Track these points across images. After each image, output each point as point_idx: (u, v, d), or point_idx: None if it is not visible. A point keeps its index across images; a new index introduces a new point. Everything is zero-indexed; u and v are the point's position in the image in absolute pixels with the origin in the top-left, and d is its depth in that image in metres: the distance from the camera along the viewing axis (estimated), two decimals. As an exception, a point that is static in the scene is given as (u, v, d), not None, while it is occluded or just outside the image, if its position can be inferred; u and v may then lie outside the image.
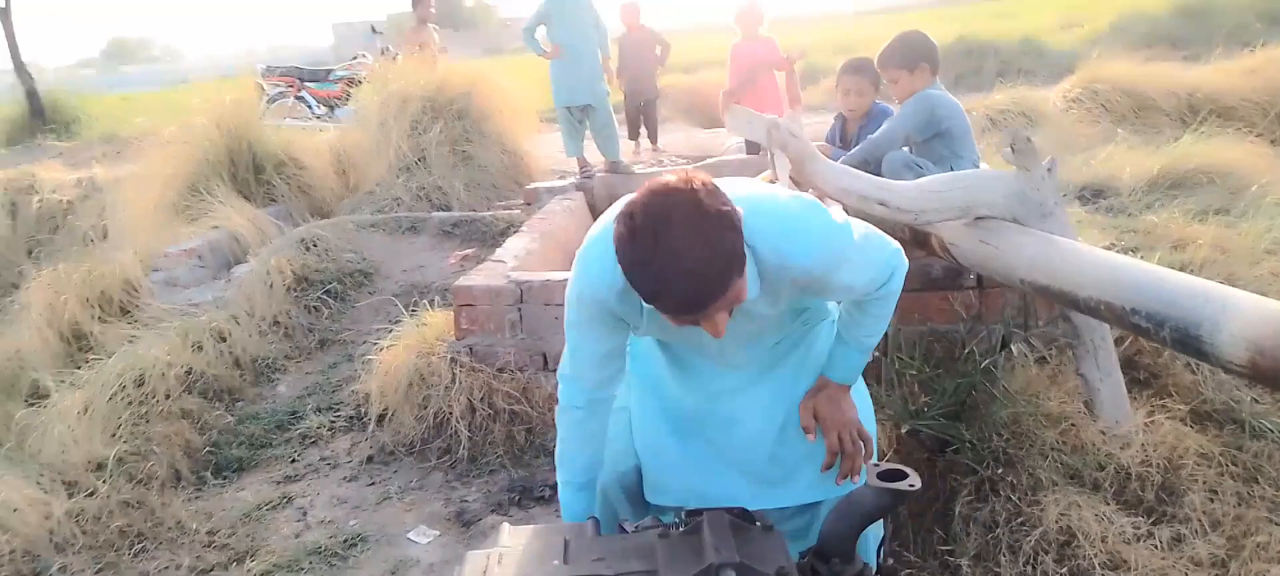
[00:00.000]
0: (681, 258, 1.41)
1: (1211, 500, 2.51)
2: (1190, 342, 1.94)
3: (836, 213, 1.81)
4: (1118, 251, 4.17)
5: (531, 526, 1.78)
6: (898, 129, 3.61)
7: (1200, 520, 2.44)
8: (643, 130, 8.47)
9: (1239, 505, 2.51)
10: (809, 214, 1.68)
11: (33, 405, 3.89)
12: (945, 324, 3.13)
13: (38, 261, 6.15)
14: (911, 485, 1.57)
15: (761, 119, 3.22)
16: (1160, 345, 2.15)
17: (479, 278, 3.67)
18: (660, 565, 1.54)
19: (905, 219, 2.84)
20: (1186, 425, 2.78)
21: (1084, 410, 2.74)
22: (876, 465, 1.63)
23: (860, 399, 2.03)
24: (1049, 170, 2.66)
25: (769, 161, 3.36)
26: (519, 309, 3.54)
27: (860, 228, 1.77)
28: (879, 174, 3.33)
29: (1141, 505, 2.54)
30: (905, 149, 3.61)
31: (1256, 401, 2.92)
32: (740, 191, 1.63)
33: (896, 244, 1.83)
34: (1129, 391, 2.91)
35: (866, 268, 1.76)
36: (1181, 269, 3.92)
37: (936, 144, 3.58)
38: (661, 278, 1.44)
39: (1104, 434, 2.65)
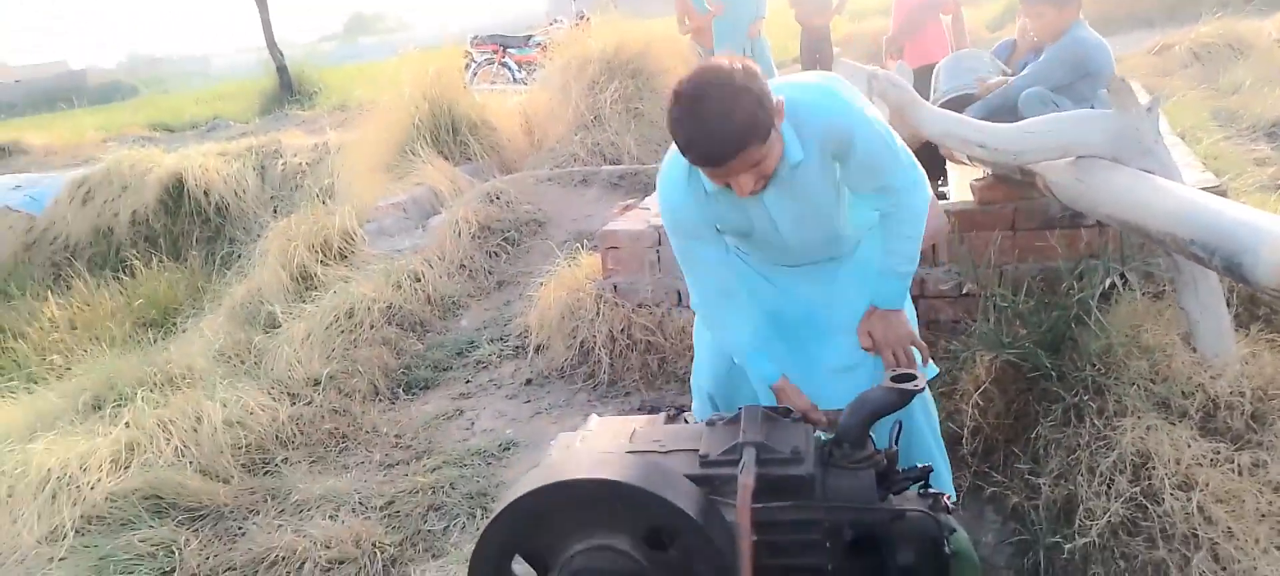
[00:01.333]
0: (706, 121, 1.81)
1: (1306, 432, 2.52)
2: (1235, 269, 2.04)
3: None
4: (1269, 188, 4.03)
5: (615, 417, 2.17)
6: (1044, 73, 3.66)
7: (1287, 449, 2.47)
8: None
9: (1337, 437, 2.50)
10: (839, 86, 2.05)
11: (268, 332, 4.72)
12: (1054, 261, 3.22)
13: (278, 215, 7.19)
14: (916, 386, 1.82)
15: (862, 70, 3.38)
16: (1217, 271, 2.22)
17: (623, 222, 4.08)
18: (703, 445, 1.89)
19: (1006, 159, 2.97)
20: (1297, 360, 2.76)
21: (1180, 343, 2.78)
22: (893, 369, 1.88)
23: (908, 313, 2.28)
24: (1149, 109, 2.71)
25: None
26: (657, 250, 3.92)
27: (889, 132, 2.07)
28: (1014, 116, 3.42)
29: (1229, 432, 2.58)
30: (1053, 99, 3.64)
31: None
32: (799, 79, 2.07)
33: (921, 169, 2.07)
34: (1242, 326, 2.91)
35: (886, 151, 2.05)
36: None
37: (1081, 84, 3.60)
38: (690, 134, 1.84)
39: (1197, 364, 2.70)
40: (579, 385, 3.89)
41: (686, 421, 2.13)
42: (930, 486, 1.90)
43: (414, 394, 4.18)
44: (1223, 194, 3.07)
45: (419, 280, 4.95)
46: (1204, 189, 3.08)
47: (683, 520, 1.68)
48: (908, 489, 1.84)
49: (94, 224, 9.09)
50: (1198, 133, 4.51)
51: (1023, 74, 3.62)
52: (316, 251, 5.40)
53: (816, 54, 8.45)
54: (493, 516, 1.76)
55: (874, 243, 2.26)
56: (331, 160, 8.09)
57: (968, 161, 3.42)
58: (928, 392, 2.14)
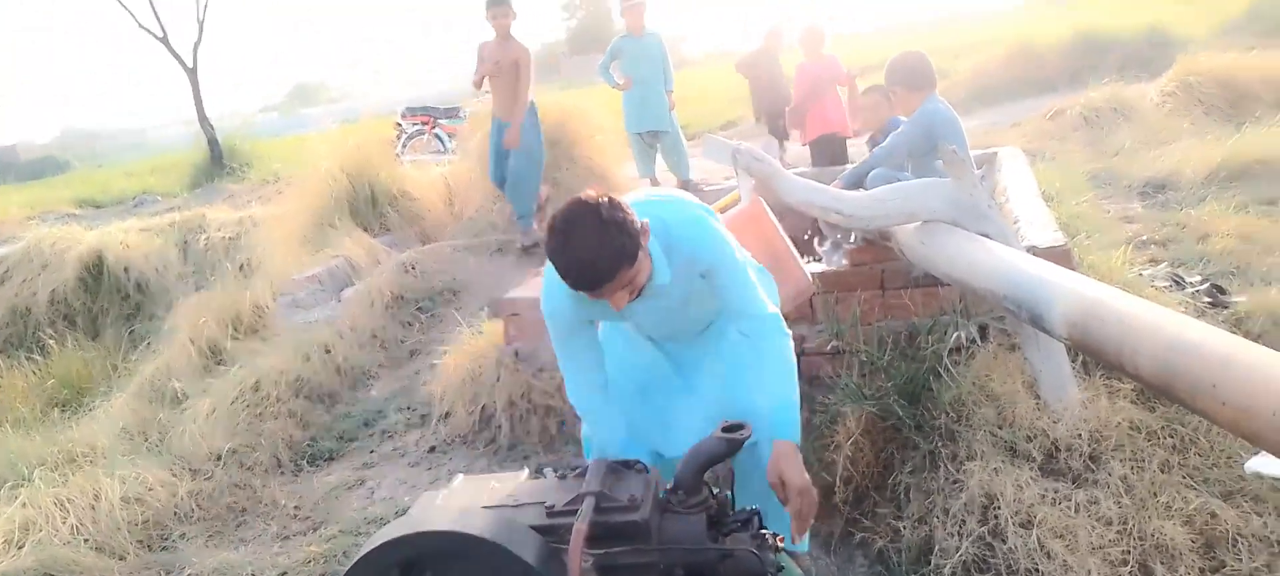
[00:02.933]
0: (578, 253, 2.00)
1: (1136, 470, 2.73)
2: (1037, 321, 2.26)
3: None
4: (1143, 245, 4.32)
5: (480, 476, 2.28)
6: (900, 144, 3.92)
7: (1118, 484, 2.67)
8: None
9: (1162, 472, 2.71)
10: (709, 219, 2.27)
11: (175, 408, 4.72)
12: (913, 317, 3.43)
13: (199, 291, 7.18)
14: (743, 435, 1.97)
15: (727, 145, 3.61)
16: (1026, 323, 2.43)
17: (524, 290, 4.21)
18: (550, 497, 2.01)
19: (858, 225, 3.19)
20: (1133, 404, 2.98)
21: (1025, 391, 2.99)
22: (725, 421, 2.03)
23: None
24: (983, 177, 2.95)
25: (755, 179, 3.74)
26: (556, 316, 4.05)
27: (752, 272, 2.32)
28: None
29: (1069, 473, 2.78)
30: (903, 168, 3.90)
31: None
32: (673, 202, 2.29)
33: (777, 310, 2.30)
34: (1089, 374, 3.14)
35: (746, 286, 2.26)
36: (1198, 260, 4.06)
37: (932, 156, 3.87)
38: (565, 265, 2.03)
39: (1038, 410, 2.90)
40: (480, 450, 3.98)
41: (545, 476, 2.24)
42: (764, 528, 2.03)
43: (318, 465, 4.22)
44: (1066, 254, 3.31)
45: (329, 351, 5.01)
46: (1049, 248, 3.34)
47: (522, 570, 1.79)
48: (737, 531, 1.97)
49: (11, 304, 8.90)
50: (1067, 194, 4.82)
51: (882, 145, 3.89)
52: (227, 326, 5.43)
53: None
54: (348, 568, 1.85)
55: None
56: (253, 234, 8.11)
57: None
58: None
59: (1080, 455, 2.80)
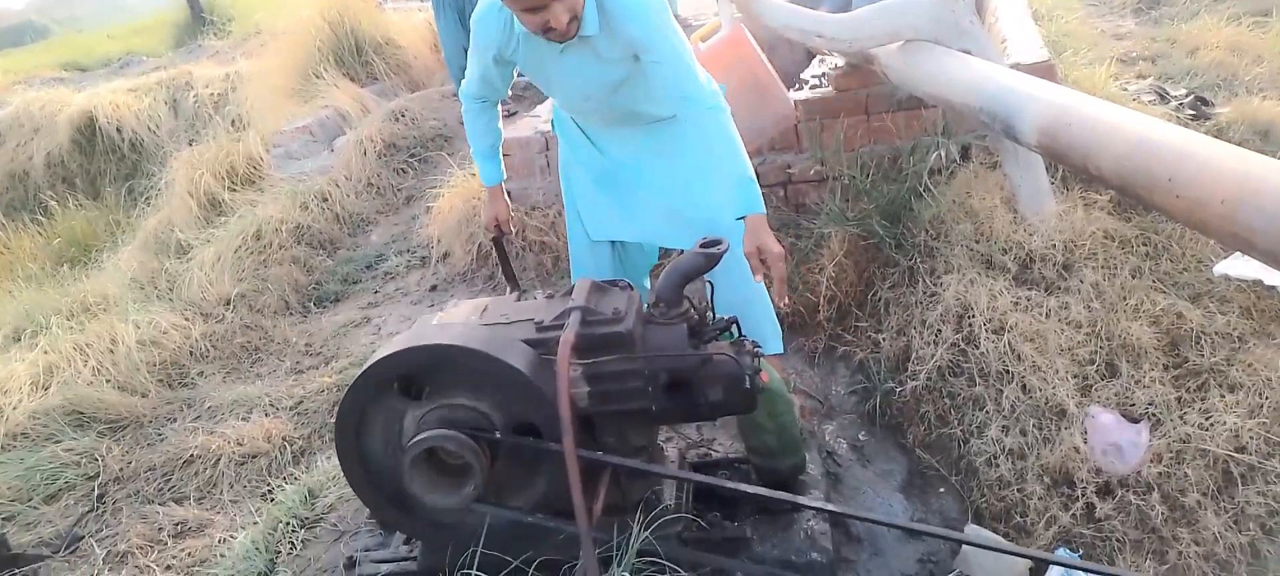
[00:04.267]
0: None
1: (1108, 276, 2.84)
2: (1011, 132, 2.31)
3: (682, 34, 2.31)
4: (1131, 61, 4.32)
5: (474, 300, 2.39)
6: None
7: (1089, 290, 2.78)
8: None
9: (1134, 278, 2.83)
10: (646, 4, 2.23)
11: (180, 259, 4.84)
12: (901, 141, 3.48)
13: (193, 148, 7.19)
14: (720, 249, 2.06)
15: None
16: (999, 137, 2.49)
17: (513, 130, 4.24)
18: (540, 314, 2.12)
19: (841, 47, 3.20)
20: (1109, 214, 3.07)
21: (1002, 206, 3.07)
22: (704, 238, 2.12)
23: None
24: (965, -10, 2.94)
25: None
26: (546, 156, 4.10)
27: (689, 52, 2.29)
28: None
29: (1043, 282, 2.90)
30: None
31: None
32: None
33: (717, 87, 2.31)
34: (1068, 188, 3.21)
35: (682, 66, 2.25)
36: (1185, 74, 4.07)
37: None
38: None
39: (1015, 224, 2.99)
40: (480, 287, 4.10)
41: (535, 297, 2.36)
42: (744, 337, 2.15)
43: (324, 307, 4.36)
44: (1050, 70, 3.33)
45: (326, 200, 5.08)
46: (1034, 64, 3.36)
47: (515, 377, 1.92)
48: (717, 338, 2.09)
49: (8, 168, 8.94)
50: (1058, 12, 4.77)
51: None
52: (223, 178, 5.49)
53: None
54: (355, 379, 1.99)
55: (685, 136, 2.49)
56: (240, 89, 8.04)
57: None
58: (744, 265, 2.35)
59: (1054, 264, 2.91)
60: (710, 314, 2.14)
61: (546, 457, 2.01)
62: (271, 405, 3.46)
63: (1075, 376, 2.64)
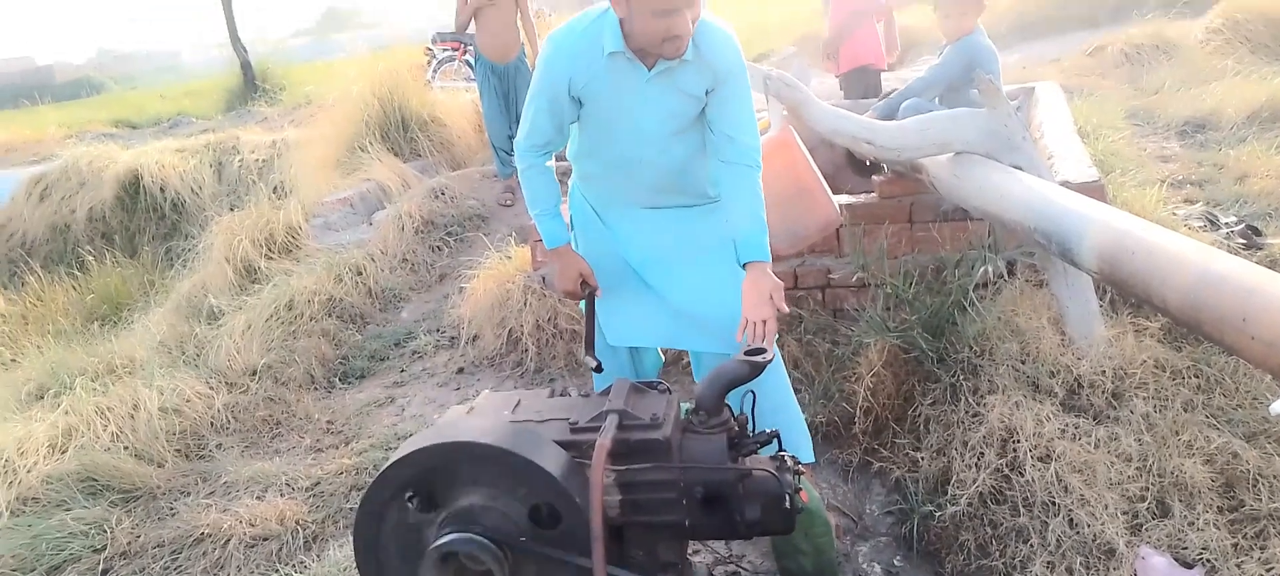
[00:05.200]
0: None
1: (1159, 408, 2.73)
2: (1067, 254, 2.25)
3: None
4: (1179, 185, 4.26)
5: (504, 392, 2.33)
6: (940, 76, 3.86)
7: (1140, 422, 2.67)
8: None
9: (1186, 411, 2.71)
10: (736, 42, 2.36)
11: (211, 325, 4.84)
12: (941, 251, 3.42)
13: (233, 212, 7.29)
14: (765, 358, 1.99)
15: (758, 71, 3.56)
16: (1055, 258, 2.42)
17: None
18: (574, 414, 2.06)
19: (890, 155, 3.17)
20: (1159, 342, 2.97)
21: (1050, 326, 2.98)
22: (749, 346, 2.06)
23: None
24: (1018, 108, 2.91)
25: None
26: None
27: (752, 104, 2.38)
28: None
29: (1091, 410, 2.79)
30: (935, 99, 3.84)
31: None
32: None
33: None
34: (1115, 312, 3.12)
35: (748, 111, 2.37)
36: (1234, 201, 4.00)
37: (967, 89, 3.80)
38: None
39: (1063, 346, 2.90)
40: (507, 372, 4.05)
41: (569, 394, 2.29)
42: (782, 449, 2.07)
43: (350, 383, 4.32)
44: (1100, 189, 3.27)
45: (361, 273, 5.09)
46: (1083, 183, 3.30)
47: (545, 480, 1.85)
48: (757, 451, 2.01)
49: (51, 221, 9.13)
50: (1103, 131, 4.74)
51: (924, 76, 3.82)
52: (262, 246, 5.52)
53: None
54: (383, 469, 1.92)
55: (716, 221, 2.49)
56: (286, 156, 8.18)
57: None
58: (782, 371, 2.32)
59: (1103, 392, 2.80)
60: (750, 425, 2.06)
61: (571, 569, 1.92)
62: (288, 484, 3.39)
63: (1125, 513, 2.52)
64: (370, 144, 6.96)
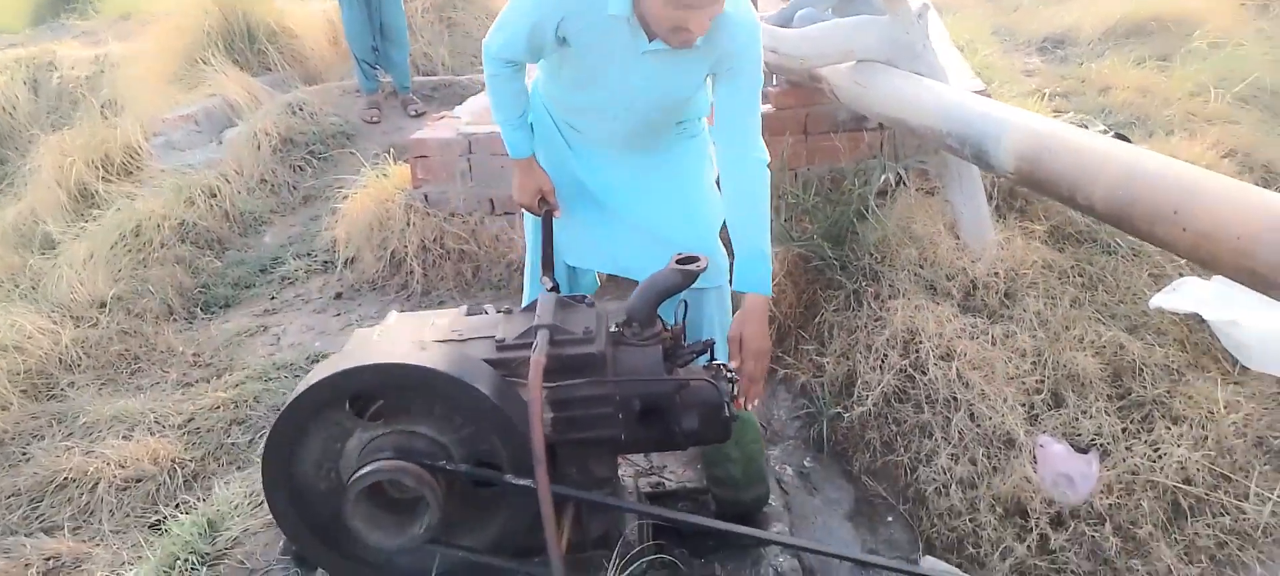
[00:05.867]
0: None
1: (1049, 305, 2.85)
2: (982, 157, 2.26)
3: None
4: (1048, 97, 4.43)
5: (416, 312, 2.18)
6: None
7: (1033, 319, 2.79)
8: None
9: (1073, 308, 2.85)
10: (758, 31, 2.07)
11: (45, 254, 4.36)
12: (839, 161, 3.44)
13: (55, 132, 6.56)
14: (699, 266, 1.92)
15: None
16: (968, 161, 2.46)
17: (433, 131, 4.00)
18: (500, 331, 1.93)
19: (793, 64, 3.13)
20: (1045, 244, 3.10)
21: (946, 232, 3.06)
22: (678, 254, 1.98)
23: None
24: (919, 15, 2.91)
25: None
26: (468, 159, 3.88)
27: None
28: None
29: (986, 309, 2.89)
30: (827, 10, 3.80)
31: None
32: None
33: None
34: (1001, 216, 3.23)
35: (756, 114, 2.11)
36: (1100, 111, 4.19)
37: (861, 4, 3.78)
38: None
39: (959, 251, 2.98)
40: (392, 296, 3.84)
41: (487, 312, 2.16)
42: (715, 359, 2.02)
43: (213, 313, 4.00)
44: (985, 97, 3.35)
45: (215, 195, 4.69)
46: (974, 94, 3.37)
47: (478, 401, 1.73)
48: (692, 361, 1.96)
49: None
50: (975, 45, 4.88)
51: None
52: (97, 167, 5.00)
53: None
54: (292, 399, 1.75)
55: (687, 154, 2.33)
56: (113, 72, 7.42)
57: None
58: (725, 287, 2.25)
59: (997, 293, 2.91)
60: (684, 336, 2.01)
61: (505, 493, 1.83)
62: (157, 422, 3.11)
63: (1023, 405, 2.64)
64: (212, 56, 6.37)
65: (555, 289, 2.14)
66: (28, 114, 7.48)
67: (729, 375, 1.96)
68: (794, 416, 2.97)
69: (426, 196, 3.94)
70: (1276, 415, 2.48)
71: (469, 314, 2.16)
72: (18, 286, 4.10)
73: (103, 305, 3.85)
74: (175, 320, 3.93)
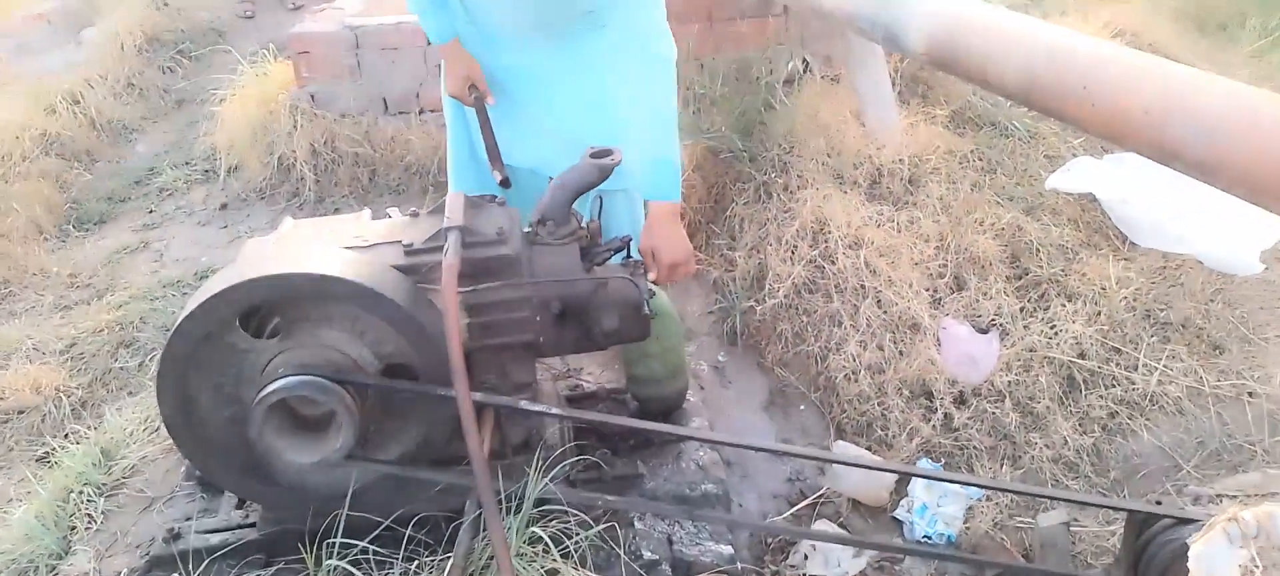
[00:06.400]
0: None
1: (951, 189, 2.90)
2: (893, 40, 2.24)
3: None
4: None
5: (313, 219, 2.05)
6: None
7: (936, 204, 2.84)
8: None
9: (974, 191, 2.91)
10: None
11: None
12: (747, 50, 3.38)
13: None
14: (614, 160, 1.86)
15: None
16: (878, 44, 2.44)
17: (315, 25, 3.76)
18: (407, 235, 1.84)
19: (696, -54, 3.02)
20: (947, 129, 3.14)
21: (852, 119, 3.06)
22: (592, 148, 1.90)
23: None
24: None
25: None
26: (356, 55, 3.66)
27: None
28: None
29: (891, 196, 2.93)
30: None
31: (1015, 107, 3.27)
32: None
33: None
34: (904, 103, 3.25)
35: (658, 9, 1.99)
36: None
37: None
38: None
39: (864, 138, 3.00)
40: (282, 204, 3.65)
41: (392, 215, 2.06)
42: (631, 255, 1.98)
43: (87, 229, 3.73)
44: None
45: (78, 102, 4.34)
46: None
47: (388, 308, 1.65)
48: (609, 259, 1.91)
49: None
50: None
51: None
52: (-63, 74, 4.54)
53: None
54: (180, 319, 1.63)
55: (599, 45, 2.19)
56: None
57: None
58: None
59: (901, 179, 2.94)
60: (600, 229, 1.95)
61: (420, 403, 1.77)
62: (35, 349, 2.91)
63: (927, 289, 2.70)
64: (61, -52, 5.82)
65: (505, 182, 2.04)
66: None
67: (646, 272, 1.93)
68: (707, 312, 2.97)
69: (313, 96, 3.71)
70: (1162, 288, 2.61)
71: (373, 219, 2.05)
72: None
73: (-41, 226, 3.55)
74: (46, 239, 3.65)
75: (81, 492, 2.21)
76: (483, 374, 1.88)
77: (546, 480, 1.78)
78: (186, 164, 4.05)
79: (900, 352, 2.63)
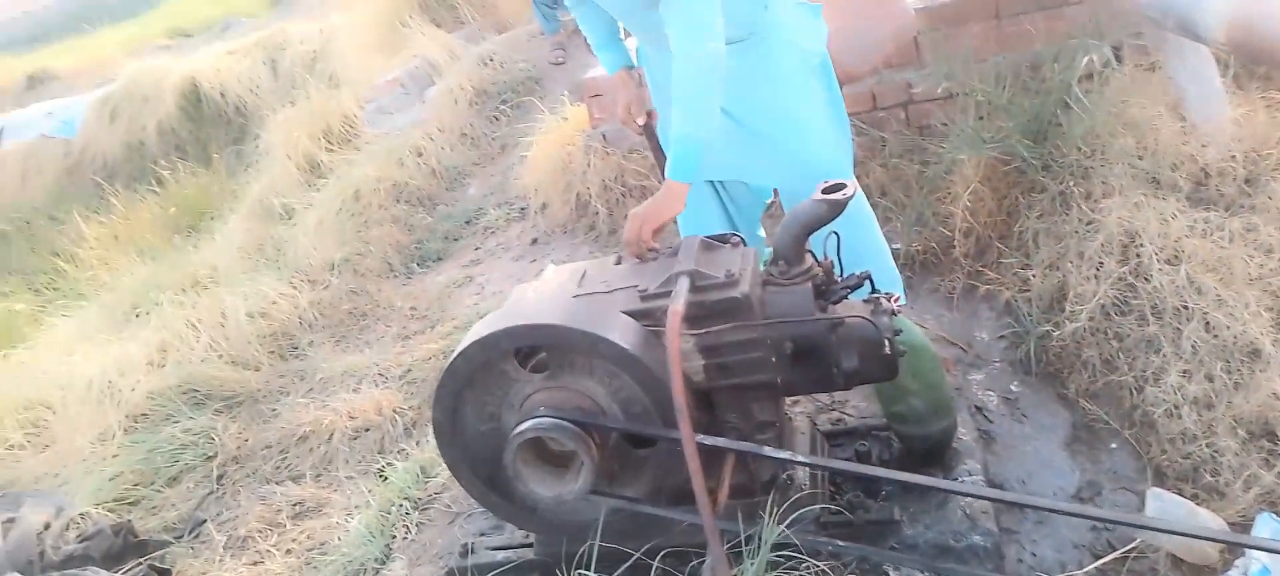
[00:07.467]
0: None
1: (1303, 189, 2.42)
2: (1187, 27, 1.94)
3: None
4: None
5: (570, 265, 2.19)
6: None
7: (1279, 209, 2.38)
8: None
9: (1335, 189, 2.40)
10: None
11: (285, 224, 4.83)
12: (1036, 47, 3.07)
13: (289, 109, 7.20)
14: (846, 194, 1.78)
15: None
16: (1171, 33, 2.10)
17: (602, 70, 3.97)
18: (644, 281, 1.90)
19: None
20: (1295, 115, 2.62)
21: (1168, 113, 2.66)
22: (824, 182, 1.84)
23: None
24: None
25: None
26: (641, 92, 3.83)
27: None
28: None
29: (1222, 200, 2.50)
30: None
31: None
32: None
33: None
34: (1241, 88, 2.77)
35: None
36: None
37: None
38: None
39: (1185, 134, 2.59)
40: (581, 238, 3.92)
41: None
42: (876, 290, 1.88)
43: (427, 266, 4.27)
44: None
45: (422, 154, 4.98)
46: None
47: (618, 354, 1.71)
48: (847, 297, 1.83)
49: (124, 140, 9.22)
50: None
51: None
52: (320, 139, 5.44)
53: None
54: (471, 341, 1.80)
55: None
56: (328, 46, 8.02)
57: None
58: (861, 201, 2.08)
59: (1234, 179, 2.51)
60: (837, 270, 1.88)
61: (662, 442, 1.81)
62: (380, 375, 3.39)
63: (1269, 310, 2.26)
64: (410, 18, 6.73)
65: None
66: (269, 92, 8.26)
67: (891, 307, 1.82)
68: (998, 337, 2.73)
69: (604, 136, 3.95)
70: None
71: (618, 262, 2.13)
72: (264, 255, 4.58)
73: (332, 267, 4.23)
74: (395, 276, 4.24)
75: (401, 507, 2.53)
76: (725, 413, 1.89)
77: (783, 527, 1.74)
78: (506, 203, 4.49)
79: (1235, 384, 2.22)
